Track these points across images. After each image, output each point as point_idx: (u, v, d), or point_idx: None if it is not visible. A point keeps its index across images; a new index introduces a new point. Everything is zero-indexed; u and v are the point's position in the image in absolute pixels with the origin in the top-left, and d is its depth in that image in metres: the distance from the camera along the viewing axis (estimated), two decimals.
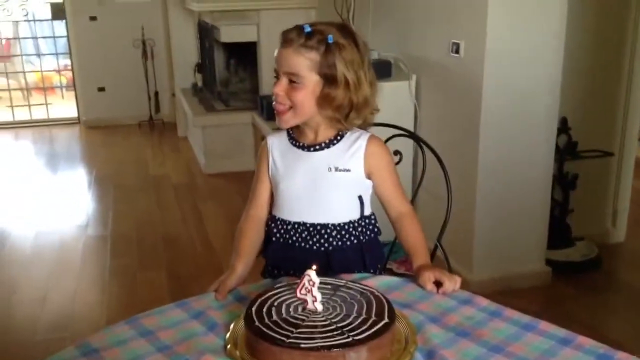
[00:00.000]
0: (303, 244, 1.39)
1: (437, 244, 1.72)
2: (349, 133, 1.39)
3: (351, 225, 1.40)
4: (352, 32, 1.36)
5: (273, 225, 1.42)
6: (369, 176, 1.39)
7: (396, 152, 1.77)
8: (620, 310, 2.70)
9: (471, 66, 2.68)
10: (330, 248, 1.38)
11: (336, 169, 1.36)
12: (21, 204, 4.18)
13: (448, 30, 2.84)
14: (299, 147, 1.40)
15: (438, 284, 1.28)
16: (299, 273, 1.10)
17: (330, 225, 1.38)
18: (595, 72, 3.09)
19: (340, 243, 1.38)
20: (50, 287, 2.97)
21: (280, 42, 1.33)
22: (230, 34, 4.66)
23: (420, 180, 1.86)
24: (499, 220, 2.76)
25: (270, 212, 1.46)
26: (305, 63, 1.30)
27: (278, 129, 1.44)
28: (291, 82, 1.32)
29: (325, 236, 1.38)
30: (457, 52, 2.76)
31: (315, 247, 1.38)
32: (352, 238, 1.40)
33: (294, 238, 1.39)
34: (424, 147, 1.78)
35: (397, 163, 1.75)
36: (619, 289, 2.91)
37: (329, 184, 1.37)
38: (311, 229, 1.38)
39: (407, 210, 1.42)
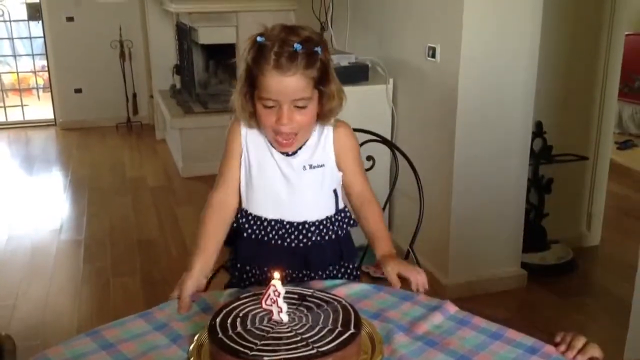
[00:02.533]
0: (280, 242, 1.36)
1: (409, 249, 1.71)
2: (316, 128, 1.37)
3: (328, 220, 1.38)
4: (314, 30, 1.34)
5: (244, 220, 1.37)
6: (338, 164, 1.38)
7: (369, 158, 1.77)
8: (594, 314, 2.72)
9: (447, 70, 2.68)
10: (310, 244, 1.36)
11: (311, 167, 1.35)
12: None
13: (424, 35, 2.84)
14: (275, 148, 1.35)
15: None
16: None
17: (309, 222, 1.36)
18: (571, 77, 3.11)
19: (319, 239, 1.37)
20: (21, 293, 2.91)
21: (273, 69, 1.21)
22: (208, 35, 4.62)
23: (393, 185, 1.85)
24: (474, 224, 2.76)
25: (239, 203, 1.39)
26: (309, 84, 1.24)
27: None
28: (297, 107, 1.25)
29: (304, 232, 1.36)
30: (433, 56, 2.77)
31: (293, 245, 1.36)
32: (330, 233, 1.38)
33: (270, 235, 1.36)
34: (397, 152, 1.77)
35: (370, 169, 1.75)
36: (593, 292, 2.93)
37: (305, 182, 1.35)
38: (288, 226, 1.36)
39: (370, 196, 1.41)
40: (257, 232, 1.36)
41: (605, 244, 3.35)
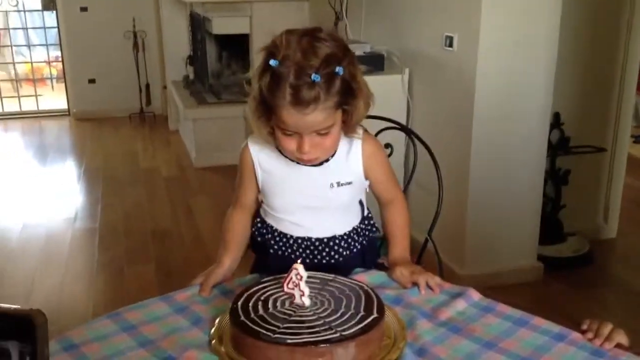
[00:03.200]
0: (311, 257, 1.33)
1: (428, 237, 1.69)
2: (341, 140, 1.29)
3: (355, 231, 1.36)
4: (336, 37, 1.19)
5: (270, 236, 1.34)
6: (366, 176, 1.34)
7: (387, 145, 1.74)
8: (611, 306, 2.69)
9: (464, 60, 2.65)
10: (341, 259, 1.33)
11: (338, 184, 1.28)
12: (9, 196, 4.13)
13: (441, 23, 2.81)
14: (293, 160, 1.27)
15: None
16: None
17: (337, 237, 1.33)
18: (589, 68, 3.07)
19: (348, 252, 1.34)
20: (36, 281, 2.92)
21: (290, 105, 1.11)
22: (222, 25, 4.61)
23: (412, 173, 1.83)
24: (490, 216, 2.74)
25: (262, 218, 1.37)
26: (331, 112, 1.15)
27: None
28: (319, 134, 1.17)
29: (335, 247, 1.33)
30: (450, 45, 2.73)
31: (324, 261, 1.32)
32: (357, 244, 1.36)
33: (298, 252, 1.33)
34: (415, 140, 1.76)
35: (388, 156, 1.73)
36: (610, 285, 2.90)
37: (333, 200, 1.30)
38: (317, 243, 1.33)
39: (397, 197, 1.39)
40: (284, 249, 1.34)
41: (622, 237, 3.32)
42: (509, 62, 2.59)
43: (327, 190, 1.28)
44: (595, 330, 1.06)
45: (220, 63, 5.14)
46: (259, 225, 1.37)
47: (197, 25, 5.14)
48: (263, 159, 1.31)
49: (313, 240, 1.33)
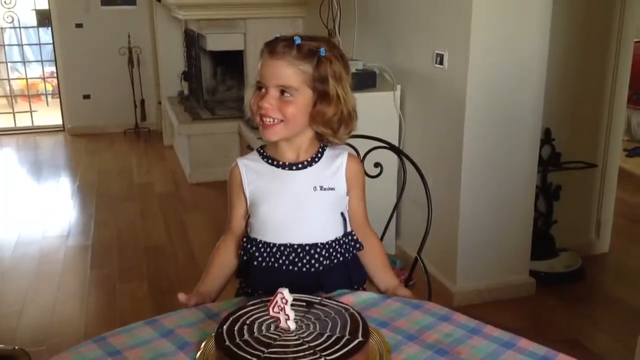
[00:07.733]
0: (291, 267, 1.33)
1: (417, 256, 1.70)
2: (327, 150, 1.38)
3: (337, 242, 1.37)
4: (337, 46, 1.36)
5: (254, 249, 1.36)
6: (347, 193, 1.39)
7: (377, 164, 1.76)
8: (603, 322, 2.70)
9: (455, 77, 2.67)
10: (321, 268, 1.34)
11: (321, 188, 1.34)
12: (2, 212, 4.12)
13: (432, 41, 2.84)
14: (278, 166, 1.35)
15: None
16: None
17: (319, 245, 1.34)
18: (580, 83, 3.10)
19: (328, 262, 1.35)
20: (28, 299, 2.91)
21: (267, 53, 1.28)
22: (216, 42, 4.64)
23: (401, 192, 1.84)
24: (482, 231, 2.75)
25: (248, 236, 1.39)
26: (299, 76, 1.27)
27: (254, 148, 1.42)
28: (283, 94, 1.28)
29: (316, 256, 1.34)
30: (441, 63, 2.76)
31: (305, 269, 1.33)
32: (339, 256, 1.37)
33: (280, 261, 1.34)
34: (404, 158, 1.77)
35: (378, 175, 1.74)
36: (602, 301, 2.90)
37: (315, 203, 1.34)
38: (299, 250, 1.33)
39: (370, 230, 1.46)
40: (267, 259, 1.35)
41: (615, 252, 3.33)
42: (499, 78, 2.62)
43: (311, 192, 1.34)
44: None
45: (214, 79, 5.16)
46: (245, 243, 1.39)
47: (192, 41, 5.17)
48: (251, 174, 1.38)
49: (295, 247, 1.34)
